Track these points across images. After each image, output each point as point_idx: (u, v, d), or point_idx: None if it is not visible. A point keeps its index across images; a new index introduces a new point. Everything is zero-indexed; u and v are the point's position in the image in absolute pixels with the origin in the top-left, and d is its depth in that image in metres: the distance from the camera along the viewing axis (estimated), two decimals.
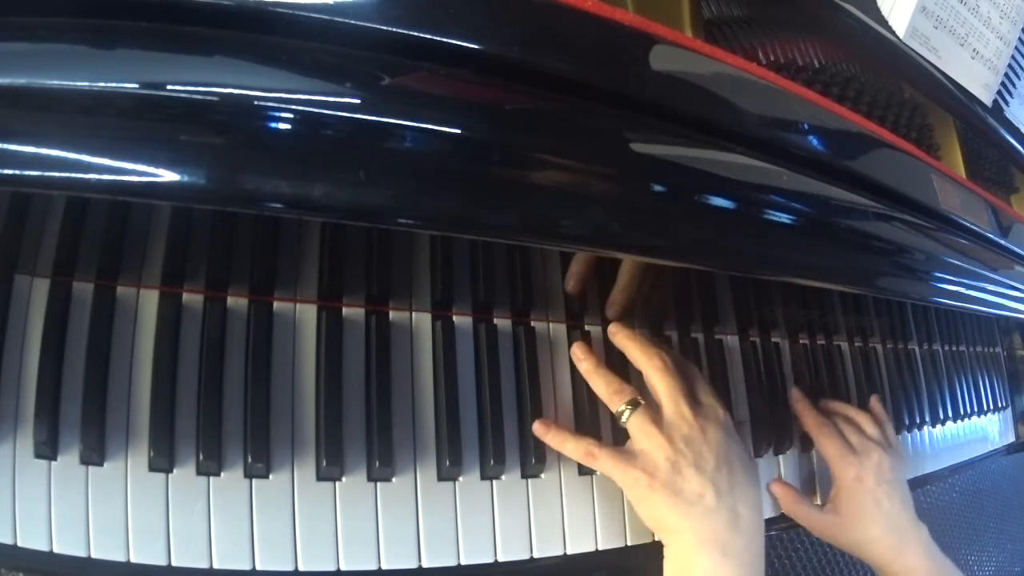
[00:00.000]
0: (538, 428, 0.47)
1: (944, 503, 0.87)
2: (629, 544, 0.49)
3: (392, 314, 0.45)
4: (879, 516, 0.56)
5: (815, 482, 0.63)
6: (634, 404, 0.47)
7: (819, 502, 0.62)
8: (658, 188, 0.35)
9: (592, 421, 0.50)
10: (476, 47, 0.30)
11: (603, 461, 0.46)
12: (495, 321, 0.48)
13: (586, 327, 0.52)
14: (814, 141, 0.43)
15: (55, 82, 0.24)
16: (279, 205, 0.27)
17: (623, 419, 0.47)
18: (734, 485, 0.46)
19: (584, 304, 0.52)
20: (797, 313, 0.67)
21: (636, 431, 0.46)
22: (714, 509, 0.44)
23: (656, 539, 0.47)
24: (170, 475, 0.37)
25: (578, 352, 0.50)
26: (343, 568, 0.40)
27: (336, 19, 0.28)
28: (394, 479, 0.42)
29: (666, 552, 0.46)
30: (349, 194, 0.27)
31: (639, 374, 0.50)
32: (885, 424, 0.63)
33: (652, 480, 0.44)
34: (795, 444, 0.63)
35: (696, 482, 0.44)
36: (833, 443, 0.59)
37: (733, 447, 0.48)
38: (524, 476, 0.47)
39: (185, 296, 0.40)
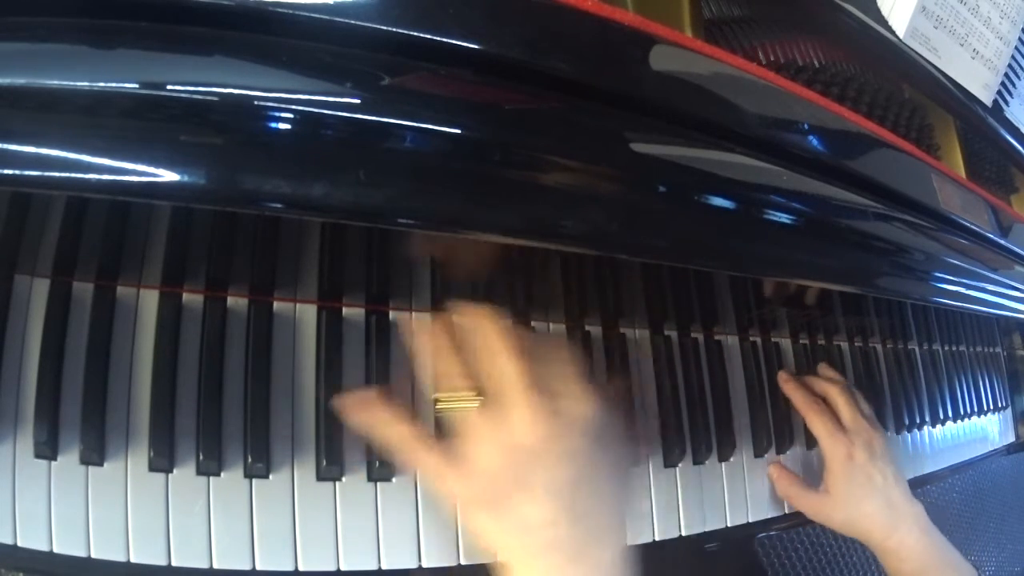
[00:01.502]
0: (348, 403, 0.37)
1: (944, 503, 0.87)
2: (629, 544, 0.49)
3: (392, 314, 0.45)
4: (871, 492, 0.56)
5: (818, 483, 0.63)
6: (479, 393, 0.36)
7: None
8: (658, 188, 0.35)
9: None
10: (476, 47, 0.30)
11: (424, 457, 0.36)
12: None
13: (587, 327, 0.52)
14: (814, 141, 0.43)
15: (55, 82, 0.24)
16: (279, 205, 0.27)
17: (458, 404, 0.36)
18: (598, 507, 0.36)
19: (585, 304, 0.52)
20: (797, 313, 0.67)
21: (473, 429, 0.36)
22: (561, 541, 0.35)
23: (658, 539, 0.47)
24: (170, 475, 0.37)
25: (427, 329, 0.40)
26: (343, 568, 0.40)
27: (336, 19, 0.28)
28: (394, 479, 0.42)
29: None
30: (349, 194, 0.27)
31: None
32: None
33: (478, 492, 0.35)
34: (795, 444, 0.63)
35: (543, 505, 0.35)
36: (823, 420, 0.59)
37: (601, 456, 0.37)
38: None
39: (185, 296, 0.40)
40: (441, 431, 0.39)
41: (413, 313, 0.46)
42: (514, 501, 0.35)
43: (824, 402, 0.61)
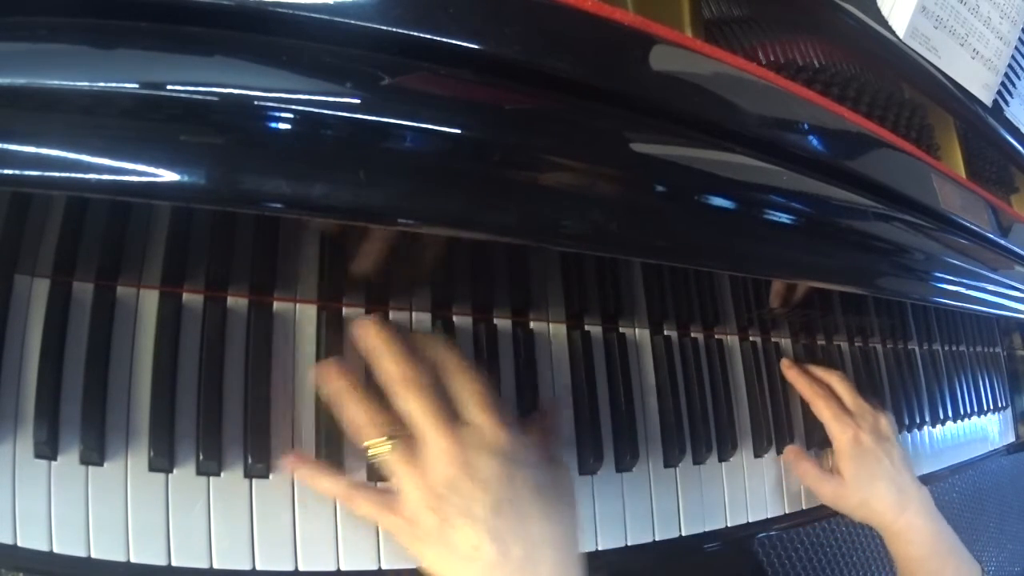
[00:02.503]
0: (291, 462, 0.39)
1: (944, 503, 0.87)
2: (629, 544, 0.49)
3: (392, 314, 0.45)
4: (879, 473, 0.57)
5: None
6: (391, 437, 0.37)
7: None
8: (658, 188, 0.35)
9: None
10: (476, 47, 0.30)
11: (361, 504, 0.38)
12: (495, 321, 0.48)
13: (587, 327, 0.52)
14: (814, 141, 0.43)
15: (55, 82, 0.24)
16: (279, 205, 0.27)
17: (373, 453, 0.38)
18: (526, 525, 0.37)
19: (585, 303, 0.52)
20: (797, 313, 0.67)
21: (395, 471, 0.37)
22: (497, 563, 0.35)
23: (658, 539, 0.47)
24: (170, 475, 0.37)
25: (328, 371, 0.39)
26: (343, 568, 0.40)
27: (336, 19, 0.28)
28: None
29: None
30: (349, 194, 0.27)
31: None
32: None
33: (414, 530, 0.37)
34: (796, 444, 0.63)
35: (469, 533, 0.35)
36: (828, 405, 0.59)
37: (519, 476, 0.37)
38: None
39: (185, 296, 0.40)
40: (380, 474, 0.40)
41: (413, 313, 0.46)
42: (444, 533, 0.36)
43: (828, 387, 0.62)
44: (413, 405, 0.37)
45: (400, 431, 0.37)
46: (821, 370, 0.64)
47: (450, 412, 0.38)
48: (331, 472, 0.39)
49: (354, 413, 0.38)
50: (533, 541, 0.37)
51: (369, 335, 0.39)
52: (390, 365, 0.38)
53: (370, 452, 0.37)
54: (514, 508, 0.37)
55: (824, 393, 0.61)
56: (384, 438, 0.37)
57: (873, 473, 0.57)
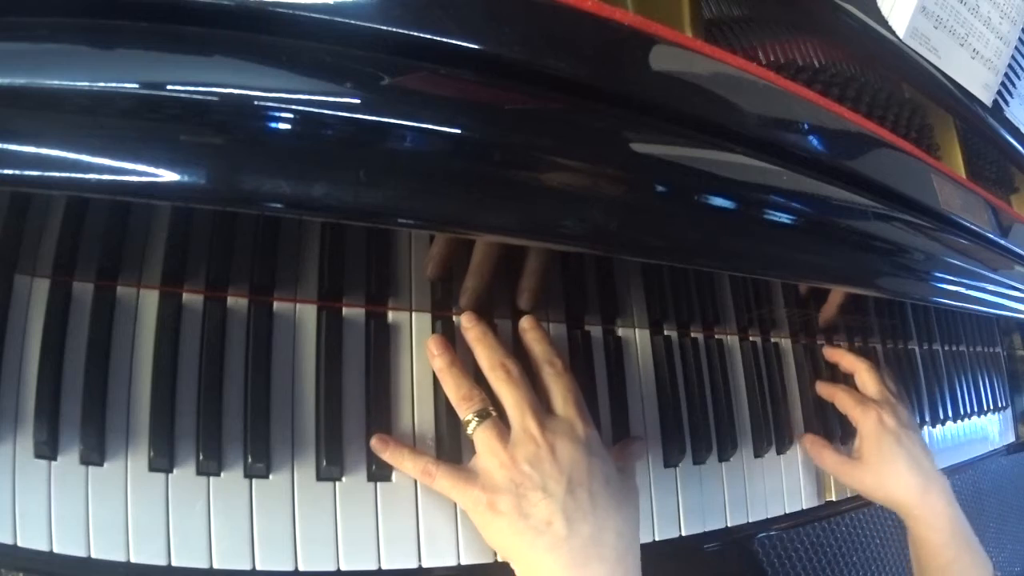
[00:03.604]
0: (376, 444, 0.42)
1: None
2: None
3: (392, 314, 0.45)
4: (902, 456, 0.58)
5: (818, 480, 0.63)
6: (482, 415, 0.42)
7: (830, 498, 0.63)
8: (658, 188, 0.35)
9: None
10: (476, 47, 0.30)
11: (440, 481, 0.41)
12: (495, 321, 0.48)
13: (587, 327, 0.52)
14: (814, 141, 0.43)
15: (55, 82, 0.24)
16: (279, 205, 0.27)
17: (468, 430, 0.42)
18: (594, 509, 0.40)
19: (584, 304, 0.52)
20: (797, 313, 0.67)
21: (481, 446, 0.41)
22: (565, 538, 0.39)
23: (658, 539, 0.47)
24: (170, 475, 0.37)
25: (433, 347, 0.44)
26: (343, 568, 0.40)
27: (336, 19, 0.28)
28: (394, 479, 0.42)
29: None
30: (349, 194, 0.27)
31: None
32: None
33: (494, 502, 0.40)
34: (796, 444, 0.63)
35: (543, 508, 0.39)
36: (851, 393, 0.62)
37: (595, 466, 0.41)
38: None
39: (185, 296, 0.40)
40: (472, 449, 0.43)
41: (413, 313, 0.46)
42: (520, 506, 0.39)
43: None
44: (506, 390, 0.42)
45: (492, 411, 0.42)
46: (851, 357, 0.66)
47: (539, 401, 0.43)
48: (413, 451, 0.42)
49: (452, 387, 0.43)
50: (599, 525, 0.40)
51: (473, 327, 0.45)
52: (489, 353, 0.43)
53: (472, 427, 0.42)
54: (586, 493, 0.40)
55: (846, 386, 0.63)
56: (473, 415, 0.42)
57: (896, 455, 0.58)
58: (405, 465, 0.42)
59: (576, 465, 0.41)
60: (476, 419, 0.41)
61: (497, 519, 0.39)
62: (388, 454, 0.42)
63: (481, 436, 0.41)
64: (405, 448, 0.42)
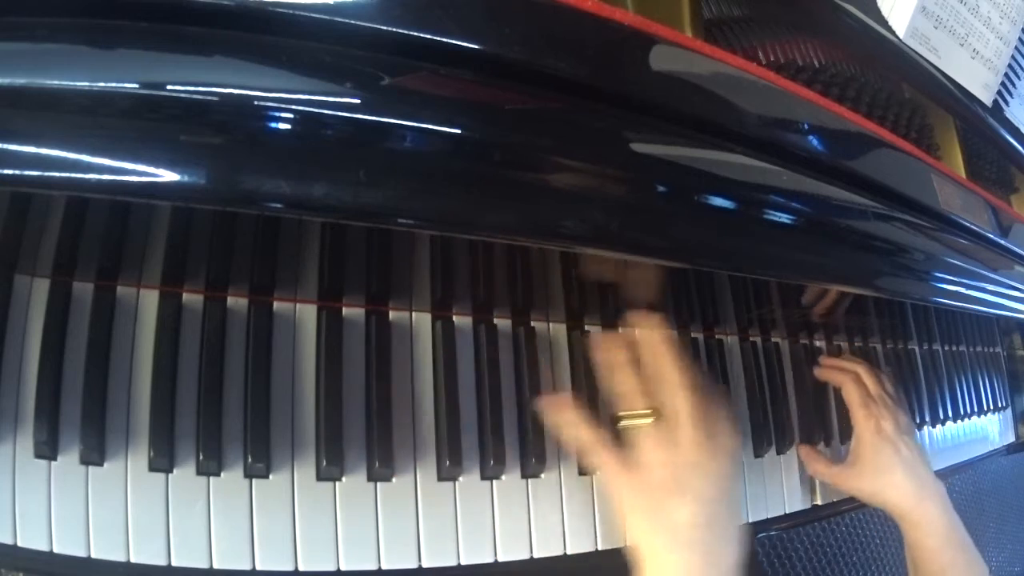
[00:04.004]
0: (551, 404, 0.46)
1: None
2: (629, 544, 0.49)
3: (392, 314, 0.45)
4: (899, 463, 0.58)
5: (815, 482, 0.63)
6: (653, 413, 0.45)
7: (819, 501, 0.63)
8: (658, 188, 0.35)
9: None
10: (476, 47, 0.30)
11: (607, 459, 0.44)
12: (495, 321, 0.48)
13: (586, 327, 0.52)
14: (814, 141, 0.43)
15: (55, 82, 0.24)
16: (279, 205, 0.27)
17: (637, 421, 0.45)
18: (724, 521, 0.44)
19: (584, 304, 0.52)
20: (797, 313, 0.67)
21: (647, 441, 0.45)
22: (701, 540, 0.42)
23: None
24: (170, 475, 0.37)
25: (610, 344, 0.49)
26: (343, 568, 0.40)
27: (336, 19, 0.28)
28: (394, 479, 0.42)
29: (642, 573, 0.44)
30: (349, 194, 0.27)
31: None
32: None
33: (649, 494, 0.43)
34: (795, 444, 0.63)
35: (693, 509, 0.43)
36: (857, 391, 0.62)
37: (732, 481, 0.46)
38: (524, 476, 0.47)
39: (185, 296, 0.40)
40: (619, 440, 0.45)
41: (413, 313, 0.46)
42: (669, 504, 0.43)
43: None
44: (685, 401, 0.44)
45: (660, 412, 0.45)
46: (850, 359, 0.66)
47: (709, 417, 0.45)
48: (590, 422, 0.45)
49: (622, 383, 0.46)
50: (728, 534, 0.44)
51: (655, 333, 0.48)
52: (674, 366, 0.46)
53: (628, 422, 0.45)
54: (724, 505, 0.45)
55: (853, 378, 0.63)
56: (647, 410, 0.45)
57: (891, 461, 0.58)
58: (580, 433, 0.45)
59: (726, 479, 0.45)
60: (648, 416, 0.45)
61: (647, 510, 0.43)
62: (565, 416, 0.45)
63: (650, 432, 0.44)
64: (583, 417, 0.45)
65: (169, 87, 0.25)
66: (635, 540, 0.44)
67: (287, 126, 0.26)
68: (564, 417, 0.46)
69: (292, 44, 0.27)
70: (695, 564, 0.42)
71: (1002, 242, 0.61)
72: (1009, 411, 0.98)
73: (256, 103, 0.26)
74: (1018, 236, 0.63)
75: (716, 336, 0.60)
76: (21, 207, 0.37)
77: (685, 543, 0.42)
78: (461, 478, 0.45)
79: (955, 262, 0.53)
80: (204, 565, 0.37)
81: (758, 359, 0.62)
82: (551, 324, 0.51)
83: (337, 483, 0.41)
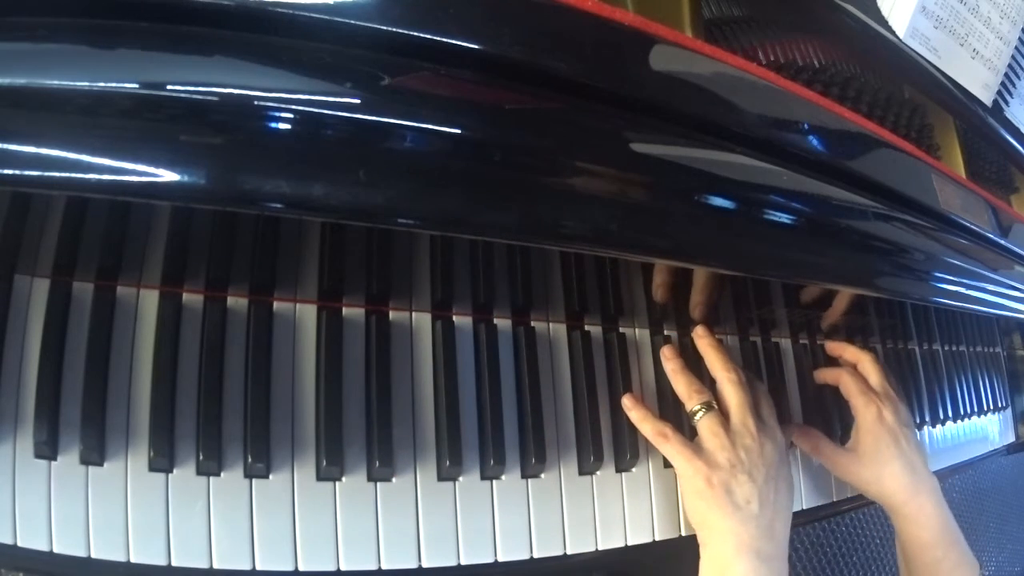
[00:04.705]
0: (626, 401, 0.51)
1: None
2: (629, 544, 0.49)
3: (392, 314, 0.45)
4: (897, 453, 0.59)
5: (820, 476, 0.63)
6: (708, 406, 0.51)
7: (834, 498, 0.63)
8: (658, 188, 0.35)
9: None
10: (476, 47, 0.30)
11: (673, 446, 0.49)
12: (495, 321, 0.48)
13: (586, 327, 0.52)
14: (814, 141, 0.43)
15: (55, 82, 0.24)
16: (279, 205, 0.27)
17: (696, 417, 0.51)
18: (776, 500, 0.50)
19: (584, 304, 0.52)
20: (797, 313, 0.67)
21: (705, 431, 0.50)
22: (756, 516, 0.48)
23: (657, 539, 0.48)
24: (170, 475, 0.37)
25: (667, 352, 0.54)
26: (343, 568, 0.40)
27: (336, 19, 0.28)
28: (394, 479, 0.42)
29: (703, 552, 0.49)
30: (349, 194, 0.27)
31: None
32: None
33: (710, 476, 0.48)
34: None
35: (747, 488, 0.48)
36: (856, 381, 0.62)
37: (782, 467, 0.52)
38: (524, 476, 0.47)
39: (185, 296, 0.40)
40: (687, 432, 0.51)
41: (413, 313, 0.46)
42: (728, 484, 0.48)
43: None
44: (733, 391, 0.52)
45: (715, 405, 0.51)
46: (854, 349, 0.66)
47: (755, 407, 0.52)
48: (655, 416, 0.51)
49: (684, 383, 0.52)
50: (777, 513, 0.50)
51: (706, 336, 0.55)
52: (723, 359, 0.54)
53: (697, 416, 0.51)
54: (776, 484, 0.50)
55: (850, 371, 0.63)
56: (702, 405, 0.51)
57: (891, 452, 0.58)
58: (645, 426, 0.50)
59: (774, 463, 0.51)
60: (704, 409, 0.51)
61: (707, 490, 0.48)
62: (636, 413, 0.51)
63: (707, 422, 0.50)
64: (649, 412, 0.51)
65: (169, 87, 0.25)
66: (696, 523, 0.50)
67: (287, 126, 0.26)
68: (634, 413, 0.51)
69: (292, 44, 0.27)
70: (755, 537, 0.47)
71: (1002, 242, 0.61)
72: (1009, 411, 0.98)
73: (256, 103, 0.26)
74: (1018, 236, 0.63)
75: (716, 336, 0.60)
76: (21, 207, 0.37)
77: (741, 520, 0.47)
78: (461, 478, 0.45)
79: (955, 262, 0.53)
80: (204, 565, 0.37)
81: (758, 359, 0.62)
82: (551, 324, 0.51)
83: (337, 483, 0.41)
